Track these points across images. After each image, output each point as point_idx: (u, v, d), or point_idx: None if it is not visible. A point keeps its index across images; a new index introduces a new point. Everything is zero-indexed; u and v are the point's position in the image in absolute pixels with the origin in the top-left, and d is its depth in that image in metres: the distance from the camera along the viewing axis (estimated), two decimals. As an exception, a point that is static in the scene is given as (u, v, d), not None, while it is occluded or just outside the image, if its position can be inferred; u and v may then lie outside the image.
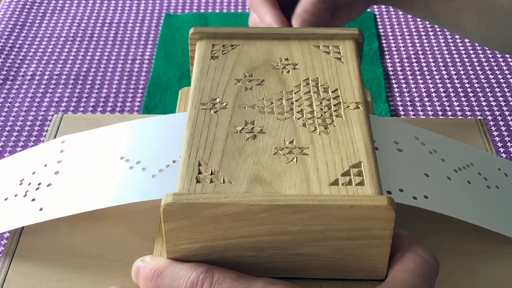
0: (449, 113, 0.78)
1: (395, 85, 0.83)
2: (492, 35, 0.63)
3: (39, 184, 0.49)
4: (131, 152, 0.49)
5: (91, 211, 0.50)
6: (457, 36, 0.91)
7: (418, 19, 0.95)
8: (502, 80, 0.83)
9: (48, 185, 0.49)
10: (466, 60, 0.87)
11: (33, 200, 0.48)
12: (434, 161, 0.49)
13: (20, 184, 0.50)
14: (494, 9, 0.61)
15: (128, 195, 0.46)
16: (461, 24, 0.63)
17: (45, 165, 0.50)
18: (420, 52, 0.89)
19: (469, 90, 0.81)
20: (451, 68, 0.85)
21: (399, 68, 0.86)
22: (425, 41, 0.91)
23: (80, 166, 0.49)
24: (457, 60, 0.87)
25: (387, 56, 0.88)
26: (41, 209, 0.47)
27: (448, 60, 0.87)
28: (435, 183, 0.47)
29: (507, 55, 0.86)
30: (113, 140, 0.51)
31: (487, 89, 0.82)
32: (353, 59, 0.51)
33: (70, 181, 0.48)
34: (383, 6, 0.98)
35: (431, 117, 0.77)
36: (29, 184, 0.49)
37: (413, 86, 0.82)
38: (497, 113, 0.78)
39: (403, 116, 0.77)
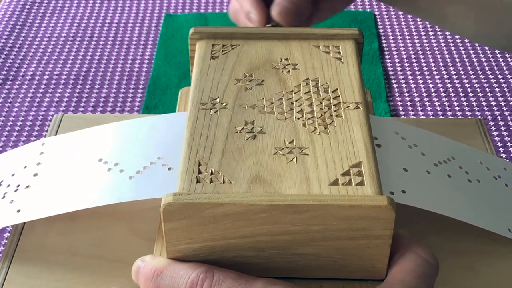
0: (449, 113, 0.78)
1: (395, 85, 0.83)
2: (478, 29, 0.63)
3: (17, 186, 0.49)
4: (110, 154, 0.49)
5: (91, 211, 0.50)
6: (457, 36, 0.91)
7: (418, 19, 0.95)
8: (502, 80, 0.83)
9: (27, 187, 0.49)
10: (466, 60, 0.87)
11: (11, 202, 0.48)
12: (414, 156, 0.48)
13: None
14: (481, 5, 0.60)
15: (104, 197, 0.46)
16: (447, 18, 0.62)
17: (25, 167, 0.51)
18: (420, 52, 0.89)
19: (469, 90, 0.81)
20: (451, 68, 0.85)
21: (399, 68, 0.86)
22: (425, 41, 0.91)
23: (59, 168, 0.50)
24: (457, 60, 0.87)
25: (387, 56, 0.88)
26: (18, 210, 0.47)
27: (448, 60, 0.87)
28: (414, 178, 0.46)
29: (507, 55, 0.86)
30: (92, 143, 0.51)
31: (487, 89, 0.82)
32: (353, 59, 0.51)
33: (48, 183, 0.49)
34: (383, 6, 0.98)
35: (431, 117, 0.77)
36: (8, 186, 0.50)
37: (413, 86, 0.82)
38: (497, 113, 0.78)
39: (403, 116, 0.77)
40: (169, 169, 0.46)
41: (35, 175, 0.49)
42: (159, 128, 0.50)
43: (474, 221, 0.46)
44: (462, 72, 0.85)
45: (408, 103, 0.79)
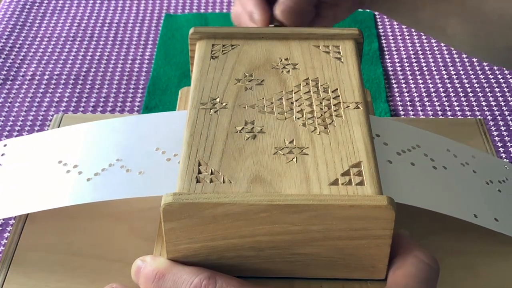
0: (449, 113, 0.78)
1: (395, 85, 0.83)
2: (476, 43, 0.63)
3: None
4: (70, 156, 0.49)
5: (91, 211, 0.50)
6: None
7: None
8: (502, 80, 0.83)
9: None
10: (466, 60, 0.87)
11: None
12: (376, 146, 0.48)
13: None
14: (479, 18, 0.60)
15: (61, 199, 0.46)
16: (445, 31, 0.63)
17: None
18: (420, 52, 0.89)
19: (469, 90, 0.81)
20: (451, 68, 0.85)
21: (399, 68, 0.86)
22: (425, 41, 0.91)
23: (19, 170, 0.50)
24: (457, 60, 0.87)
25: (387, 56, 0.88)
26: None
27: (448, 60, 0.87)
28: None
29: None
30: (53, 144, 0.51)
31: (487, 89, 0.82)
32: (353, 59, 0.51)
33: (6, 185, 0.49)
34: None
35: (431, 117, 0.77)
36: None
37: (413, 86, 0.82)
38: (497, 113, 0.78)
39: (403, 116, 0.77)
40: (127, 171, 0.46)
41: None
42: (120, 130, 0.50)
43: (436, 207, 0.46)
44: (462, 72, 0.85)
45: (408, 103, 0.79)
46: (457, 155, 0.51)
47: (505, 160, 0.69)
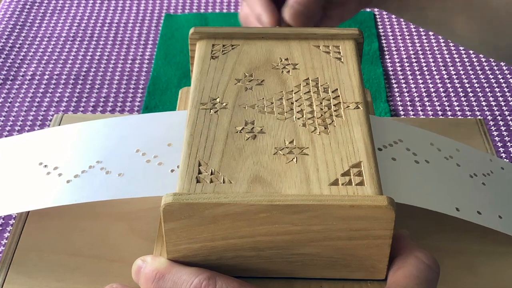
0: (449, 113, 0.78)
1: (395, 85, 0.83)
2: (483, 40, 0.63)
3: None
4: (50, 158, 0.49)
5: (91, 211, 0.50)
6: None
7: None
8: (502, 80, 0.83)
9: None
10: (466, 60, 0.87)
11: None
12: None
13: None
14: (486, 13, 0.60)
15: (41, 201, 0.47)
16: (453, 29, 0.63)
17: None
18: (420, 52, 0.89)
19: (469, 90, 0.81)
20: (451, 68, 0.85)
21: (399, 68, 0.86)
22: (425, 41, 0.91)
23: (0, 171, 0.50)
24: (457, 60, 0.87)
25: (387, 56, 0.88)
26: None
27: (448, 60, 0.87)
28: None
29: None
30: (34, 146, 0.51)
31: (487, 89, 0.82)
32: (353, 59, 0.51)
33: None
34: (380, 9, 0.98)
35: (431, 117, 0.77)
36: None
37: (413, 86, 0.82)
38: (497, 113, 0.78)
39: (403, 116, 0.77)
40: (107, 172, 0.46)
41: None
42: (101, 132, 0.50)
43: (416, 202, 0.45)
44: (462, 72, 0.85)
45: (408, 103, 0.79)
46: (440, 148, 0.51)
47: (505, 160, 0.69)
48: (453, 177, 0.49)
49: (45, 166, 0.48)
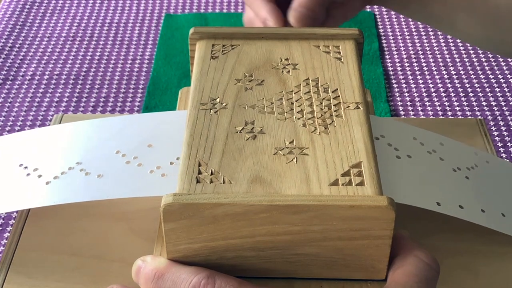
0: (449, 113, 0.78)
1: (395, 85, 0.83)
2: (486, 36, 0.63)
3: None
4: (31, 160, 0.49)
5: (91, 211, 0.50)
6: (457, 36, 0.91)
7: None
8: (502, 80, 0.83)
9: None
10: (466, 60, 0.87)
11: None
12: None
13: None
14: (489, 10, 0.60)
15: (21, 202, 0.47)
16: (456, 25, 0.63)
17: None
18: (420, 52, 0.89)
19: (469, 90, 0.81)
20: (451, 68, 0.85)
21: (399, 68, 0.86)
22: (425, 41, 0.91)
23: None
24: (457, 60, 0.87)
25: (387, 56, 0.88)
26: None
27: (448, 60, 0.87)
28: None
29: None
30: (15, 148, 0.51)
31: (487, 89, 0.81)
32: (353, 59, 0.51)
33: None
34: (383, 6, 0.98)
35: (431, 117, 0.77)
36: None
37: (413, 86, 0.82)
38: (497, 113, 0.78)
39: (403, 116, 0.77)
40: (87, 174, 0.46)
41: None
42: (81, 133, 0.50)
43: (396, 199, 0.44)
44: (462, 72, 0.85)
45: (408, 103, 0.79)
46: (424, 143, 0.50)
47: (505, 160, 0.69)
48: (435, 172, 0.49)
49: (25, 167, 0.49)
